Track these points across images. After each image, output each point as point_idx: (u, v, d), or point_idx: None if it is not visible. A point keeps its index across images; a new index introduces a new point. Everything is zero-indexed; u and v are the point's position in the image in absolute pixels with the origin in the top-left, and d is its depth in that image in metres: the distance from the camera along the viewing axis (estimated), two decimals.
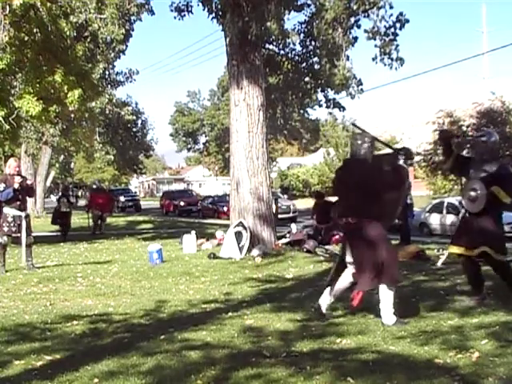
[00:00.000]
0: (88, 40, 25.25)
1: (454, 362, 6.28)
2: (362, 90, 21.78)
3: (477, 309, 8.76)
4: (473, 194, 9.17)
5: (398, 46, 19.21)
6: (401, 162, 8.42)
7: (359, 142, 8.46)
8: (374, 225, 8.20)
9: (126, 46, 28.76)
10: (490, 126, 42.17)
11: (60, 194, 33.44)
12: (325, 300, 8.55)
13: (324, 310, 8.52)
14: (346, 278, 8.43)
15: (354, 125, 9.26)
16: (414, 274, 12.68)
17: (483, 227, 9.11)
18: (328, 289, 8.57)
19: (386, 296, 8.14)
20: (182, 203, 54.22)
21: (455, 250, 9.53)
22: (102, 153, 65.22)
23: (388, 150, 9.66)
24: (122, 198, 63.43)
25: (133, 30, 26.60)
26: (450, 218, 27.23)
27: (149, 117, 75.91)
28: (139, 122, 72.52)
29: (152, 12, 25.12)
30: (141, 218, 43.94)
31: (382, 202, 8.21)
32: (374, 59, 19.47)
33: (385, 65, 19.36)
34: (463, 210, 10.16)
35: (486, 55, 56.22)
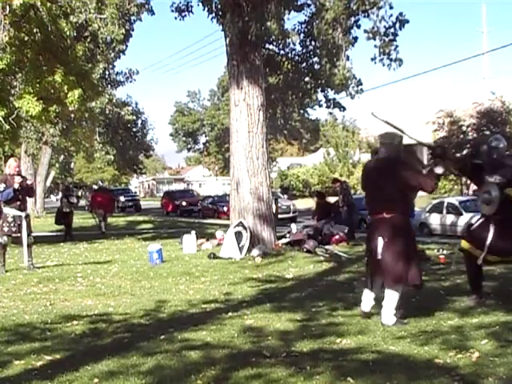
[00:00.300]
0: (88, 40, 25.25)
1: (454, 362, 6.28)
2: (361, 90, 21.76)
3: (477, 309, 8.77)
4: (487, 196, 9.15)
5: (397, 46, 19.21)
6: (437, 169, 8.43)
7: (388, 141, 8.56)
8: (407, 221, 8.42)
9: (126, 45, 28.77)
10: (490, 126, 42.25)
11: (61, 194, 33.39)
12: (368, 304, 8.58)
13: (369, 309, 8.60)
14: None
15: (373, 114, 9.05)
16: None
17: (503, 233, 9.02)
18: (369, 292, 8.57)
19: (391, 295, 8.16)
20: (183, 203, 54.18)
21: (466, 245, 9.45)
22: (101, 153, 65.16)
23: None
24: (122, 198, 63.35)
25: (133, 30, 26.62)
26: (450, 218, 27.23)
27: (149, 117, 75.96)
28: (139, 122, 72.49)
29: (152, 12, 25.12)
30: (141, 218, 43.93)
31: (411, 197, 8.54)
32: (373, 59, 19.46)
33: (384, 65, 19.35)
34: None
35: (486, 55, 56.23)
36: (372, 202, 8.70)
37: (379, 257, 8.17)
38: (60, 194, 56.23)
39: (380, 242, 8.16)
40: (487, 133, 41.76)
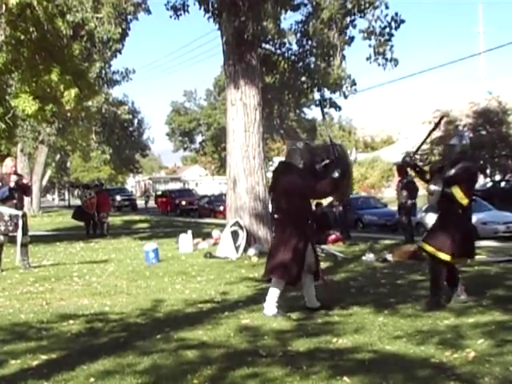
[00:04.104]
0: (84, 39, 25.20)
1: (450, 362, 6.29)
2: (355, 90, 21.81)
3: (473, 309, 8.78)
4: (432, 187, 9.51)
5: (392, 46, 19.23)
6: (336, 175, 8.96)
7: (292, 147, 9.37)
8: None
9: (123, 45, 28.68)
10: (486, 126, 42.38)
11: (79, 191, 33.06)
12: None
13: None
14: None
15: (330, 138, 9.66)
16: (410, 274, 12.71)
17: (447, 231, 9.30)
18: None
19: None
20: (183, 202, 54.12)
21: (424, 246, 9.57)
22: (98, 152, 65.18)
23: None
24: (118, 198, 63.27)
25: (129, 29, 26.56)
26: None
27: (145, 116, 76.14)
28: (135, 121, 72.58)
29: (148, 11, 25.13)
30: (137, 218, 43.91)
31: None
32: (368, 59, 19.48)
33: (379, 65, 19.38)
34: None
35: (483, 55, 56.29)
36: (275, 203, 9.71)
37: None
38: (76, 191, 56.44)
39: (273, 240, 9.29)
40: (483, 133, 41.92)
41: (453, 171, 9.30)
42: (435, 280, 9.46)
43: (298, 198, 8.89)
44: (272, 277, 9.18)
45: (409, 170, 9.61)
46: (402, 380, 5.76)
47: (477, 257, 9.49)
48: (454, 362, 6.27)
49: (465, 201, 9.26)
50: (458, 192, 9.18)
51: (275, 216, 9.42)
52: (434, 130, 10.89)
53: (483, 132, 42.82)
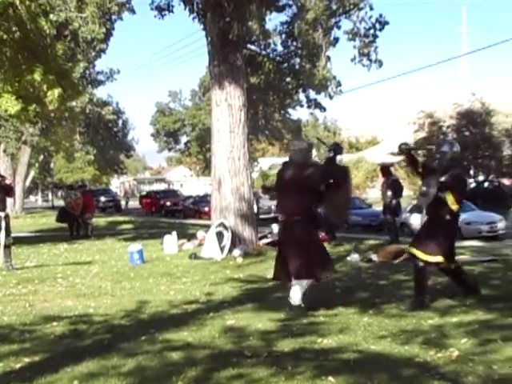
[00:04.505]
0: (68, 39, 25.11)
1: (434, 361, 6.31)
2: (340, 91, 21.84)
3: (456, 308, 8.82)
4: (424, 188, 9.66)
5: (376, 47, 19.29)
6: (331, 155, 9.45)
7: (296, 147, 9.46)
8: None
9: (107, 45, 28.64)
10: (469, 127, 42.60)
11: (64, 193, 32.87)
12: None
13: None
14: None
15: (317, 138, 9.95)
16: (395, 274, 12.73)
17: (434, 235, 9.43)
18: None
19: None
20: (168, 203, 54.01)
21: (412, 250, 9.65)
22: (82, 152, 64.94)
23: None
24: (102, 199, 63.01)
25: (114, 29, 26.47)
26: None
27: (130, 116, 75.87)
28: (120, 121, 72.39)
29: (133, 11, 25.04)
30: (121, 219, 43.76)
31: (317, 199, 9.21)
32: (352, 60, 19.52)
33: (363, 66, 19.42)
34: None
35: (466, 57, 56.59)
36: (283, 204, 9.48)
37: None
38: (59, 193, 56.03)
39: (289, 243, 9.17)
40: (467, 133, 42.14)
41: (444, 178, 9.43)
42: (419, 280, 9.51)
43: (314, 195, 9.08)
44: (316, 279, 9.22)
45: (401, 158, 9.73)
46: (387, 379, 5.77)
47: (461, 257, 9.57)
48: (438, 361, 6.29)
49: (455, 206, 9.43)
50: (449, 198, 9.34)
51: (282, 217, 9.34)
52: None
53: (466, 133, 43.04)
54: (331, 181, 9.28)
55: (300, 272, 9.01)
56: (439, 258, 9.33)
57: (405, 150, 10.31)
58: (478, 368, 5.99)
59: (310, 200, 9.06)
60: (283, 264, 9.26)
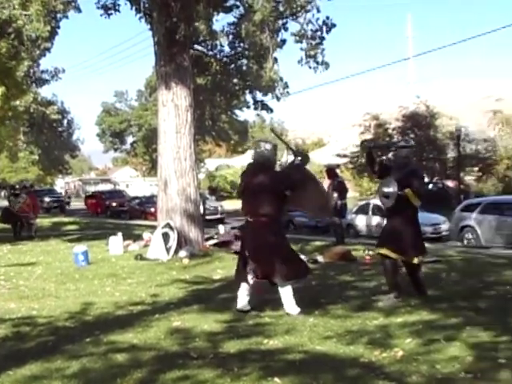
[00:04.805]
0: (12, 37, 24.73)
1: (378, 361, 6.38)
2: (288, 92, 21.88)
3: (401, 308, 8.93)
4: (386, 190, 9.76)
5: (323, 49, 19.35)
6: (298, 162, 9.42)
7: (261, 148, 9.36)
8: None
9: (52, 43, 28.24)
10: (414, 130, 43.17)
11: (6, 193, 32.36)
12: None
13: None
14: None
15: (272, 130, 9.93)
16: (341, 275, 12.82)
17: (402, 232, 9.68)
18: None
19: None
20: (113, 204, 53.56)
21: (383, 251, 9.80)
22: (26, 152, 64.11)
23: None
24: (46, 199, 62.17)
25: (59, 28, 26.16)
26: (376, 219, 27.57)
27: (75, 116, 75.00)
28: (65, 121, 71.68)
29: (79, 9, 24.78)
30: (66, 219, 43.25)
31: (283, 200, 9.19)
32: (299, 62, 19.58)
33: (310, 68, 19.48)
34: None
35: (412, 60, 57.32)
36: (250, 205, 9.33)
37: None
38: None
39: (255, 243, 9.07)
40: (412, 136, 42.72)
41: (401, 175, 9.64)
42: (390, 278, 9.83)
43: (279, 196, 9.04)
44: (288, 281, 9.05)
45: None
46: (332, 380, 5.81)
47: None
48: (382, 361, 6.36)
49: (417, 202, 9.68)
50: (410, 194, 9.54)
51: (250, 219, 9.20)
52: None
53: (412, 135, 43.57)
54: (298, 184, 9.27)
55: (274, 274, 8.98)
56: (407, 255, 9.62)
57: (366, 148, 10.51)
58: (422, 367, 6.08)
59: (276, 202, 9.04)
60: (245, 266, 9.19)
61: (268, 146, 9.37)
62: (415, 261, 9.82)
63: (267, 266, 8.95)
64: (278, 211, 9.16)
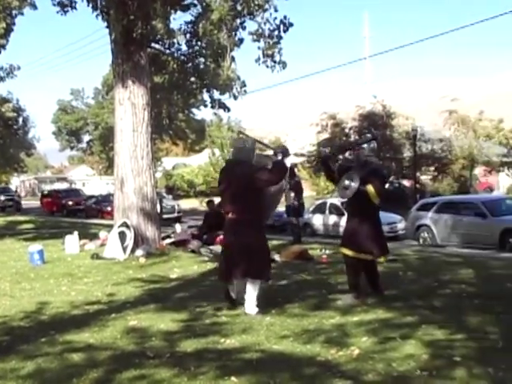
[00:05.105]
0: None
1: (335, 360, 6.41)
2: (245, 91, 21.87)
3: (357, 307, 8.99)
4: (347, 182, 9.77)
5: (281, 49, 19.38)
6: (279, 158, 9.20)
7: (240, 145, 9.34)
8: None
9: (7, 40, 27.91)
10: (371, 129, 43.44)
11: None
12: None
13: None
14: None
15: (240, 132, 9.91)
16: (298, 274, 12.87)
17: (365, 232, 9.74)
18: None
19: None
20: (69, 203, 53.04)
21: (346, 251, 9.86)
22: None
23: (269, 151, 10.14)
24: (1, 198, 61.46)
25: (14, 25, 25.86)
26: (333, 219, 27.73)
27: (31, 114, 74.05)
28: (20, 119, 70.65)
29: (34, 6, 24.52)
30: (22, 218, 42.78)
31: (263, 198, 9.07)
32: (257, 61, 19.58)
33: (267, 67, 19.49)
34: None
35: (368, 60, 57.71)
36: (230, 203, 9.23)
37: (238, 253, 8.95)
38: None
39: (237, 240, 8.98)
40: (369, 135, 42.94)
41: (364, 173, 9.70)
42: (352, 278, 9.88)
43: (259, 194, 8.98)
44: (258, 280, 9.00)
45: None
46: (289, 378, 5.83)
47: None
48: (339, 360, 6.40)
49: (377, 200, 9.74)
50: (371, 191, 9.61)
51: (231, 215, 9.07)
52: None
53: (368, 135, 43.83)
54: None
55: (250, 272, 8.91)
56: (369, 254, 9.68)
57: (322, 156, 10.49)
58: (378, 366, 6.13)
59: (257, 199, 8.99)
60: (228, 264, 9.16)
61: (248, 142, 9.37)
62: (382, 260, 9.96)
63: (244, 263, 8.87)
64: (259, 208, 9.08)
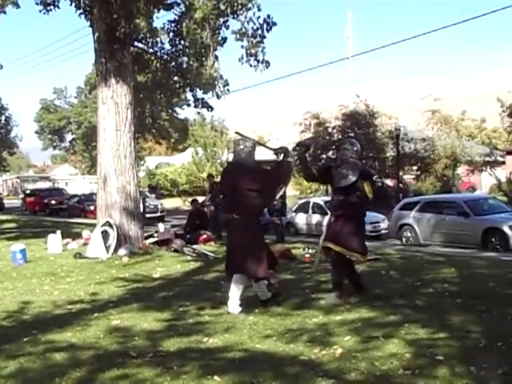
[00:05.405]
0: None
1: (318, 359, 6.43)
2: (228, 90, 21.84)
3: (340, 306, 9.01)
4: (345, 171, 9.77)
5: (264, 48, 19.38)
6: (281, 158, 9.28)
7: (241, 146, 9.25)
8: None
9: None
10: (354, 128, 43.53)
11: None
12: None
13: None
14: None
15: (237, 133, 9.87)
16: (281, 273, 12.86)
17: (349, 231, 9.77)
18: None
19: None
20: (52, 202, 52.80)
21: (331, 245, 9.86)
22: None
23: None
24: None
25: None
26: (316, 218, 27.78)
27: (13, 113, 73.66)
28: (3, 118, 70.44)
29: (17, 5, 24.41)
30: (4, 217, 42.56)
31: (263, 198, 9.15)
32: (240, 60, 19.58)
33: (251, 66, 19.49)
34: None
35: (351, 59, 57.79)
36: (233, 204, 9.20)
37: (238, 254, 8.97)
38: None
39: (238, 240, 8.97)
40: (352, 135, 43.05)
41: (351, 171, 9.74)
42: (336, 277, 9.91)
43: (261, 195, 8.99)
44: (259, 279, 9.05)
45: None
46: (272, 377, 5.84)
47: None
48: (322, 359, 6.41)
49: (371, 196, 9.79)
50: (368, 186, 9.72)
51: (234, 216, 9.03)
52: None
53: (351, 134, 43.89)
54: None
55: (252, 272, 8.95)
56: (356, 254, 9.72)
57: (300, 153, 10.34)
58: (361, 364, 6.15)
59: (261, 200, 9.04)
60: (230, 262, 9.23)
61: (248, 144, 9.34)
62: (362, 260, 10.03)
63: (242, 262, 8.90)
64: (260, 209, 9.27)
